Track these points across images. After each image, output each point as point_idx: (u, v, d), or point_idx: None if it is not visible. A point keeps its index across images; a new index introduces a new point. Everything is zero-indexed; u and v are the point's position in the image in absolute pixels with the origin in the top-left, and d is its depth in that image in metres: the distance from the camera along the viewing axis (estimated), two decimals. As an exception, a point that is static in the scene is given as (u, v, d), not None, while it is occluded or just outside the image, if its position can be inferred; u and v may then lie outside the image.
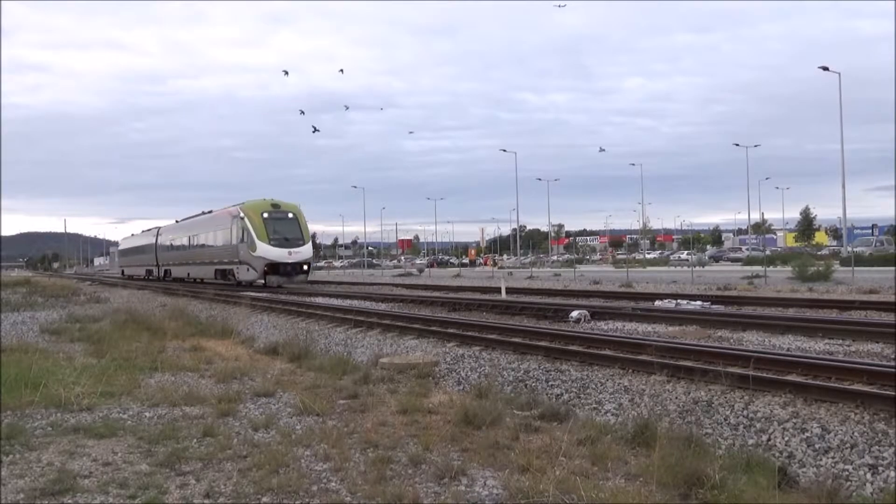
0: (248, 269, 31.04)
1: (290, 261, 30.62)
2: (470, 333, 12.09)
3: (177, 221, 46.37)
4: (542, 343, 10.49)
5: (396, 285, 33.62)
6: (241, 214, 31.48)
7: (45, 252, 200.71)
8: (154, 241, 48.94)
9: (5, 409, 7.23)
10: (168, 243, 45.39)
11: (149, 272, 50.85)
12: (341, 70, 71.93)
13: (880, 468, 5.36)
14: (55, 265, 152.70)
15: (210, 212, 39.61)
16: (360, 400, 7.86)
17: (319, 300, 22.03)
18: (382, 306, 18.86)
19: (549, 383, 8.76)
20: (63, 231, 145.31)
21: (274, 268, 30.38)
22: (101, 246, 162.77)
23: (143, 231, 57.17)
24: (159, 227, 49.17)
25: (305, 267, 31.79)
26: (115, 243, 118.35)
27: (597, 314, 14.23)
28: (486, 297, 20.79)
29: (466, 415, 6.67)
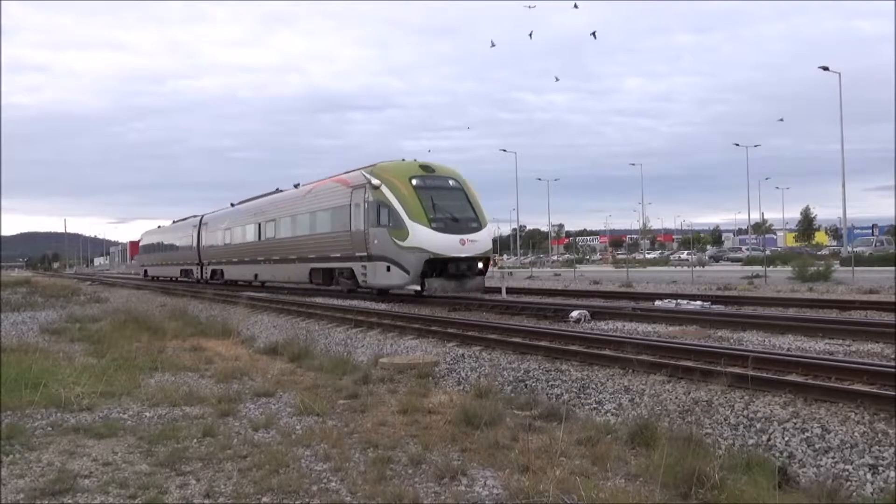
0: (388, 269, 19.59)
1: (463, 255, 19.22)
2: (470, 333, 12.08)
3: (232, 205, 36.05)
4: (542, 343, 10.49)
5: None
6: (374, 181, 20.05)
7: (45, 252, 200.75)
8: (194, 233, 39.28)
9: (5, 409, 7.23)
10: (219, 236, 35.24)
11: (185, 272, 41.87)
12: (575, 5, 45.18)
13: (880, 468, 5.36)
14: (55, 265, 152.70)
15: (297, 186, 28.10)
16: (360, 400, 7.86)
17: (319, 300, 22.02)
18: (382, 306, 18.85)
19: (549, 383, 8.76)
20: (63, 231, 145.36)
21: (438, 266, 19.14)
22: (101, 246, 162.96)
23: (174, 222, 47.38)
24: (202, 216, 39.49)
25: (481, 265, 20.04)
26: (116, 243, 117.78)
27: (597, 314, 14.22)
28: (486, 296, 20.77)
29: (466, 415, 6.68)
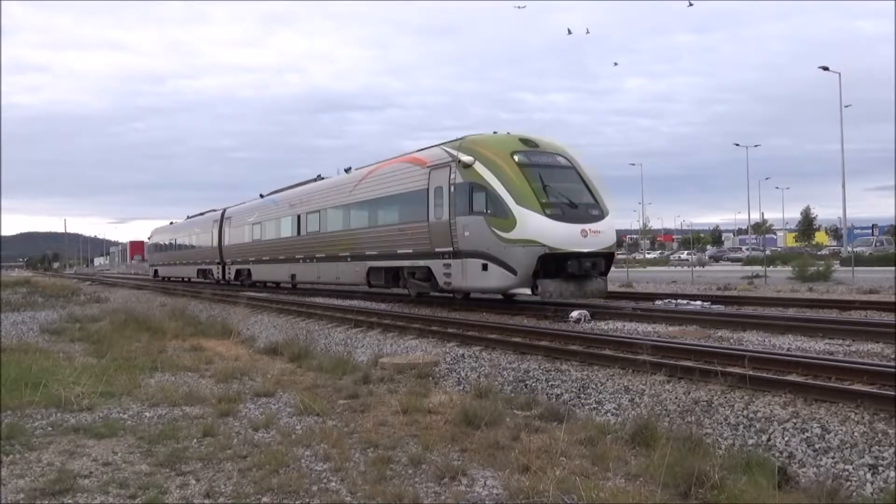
0: (484, 267, 15.41)
1: (585, 249, 15.20)
2: (470, 333, 12.09)
3: (262, 196, 31.70)
4: (542, 343, 10.49)
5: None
6: (464, 158, 15.91)
7: (45, 252, 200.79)
8: (214, 229, 35.53)
9: (5, 409, 7.24)
10: (246, 231, 31.43)
11: (204, 273, 38.12)
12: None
13: (880, 468, 5.36)
14: (55, 265, 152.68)
15: (348, 170, 23.40)
16: (360, 400, 7.87)
17: (319, 300, 22.03)
18: (382, 306, 18.86)
19: (549, 383, 8.76)
20: (63, 231, 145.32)
21: (554, 264, 14.92)
22: (101, 246, 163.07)
23: (189, 218, 43.31)
24: (224, 209, 35.63)
25: (605, 263, 15.96)
26: (116, 243, 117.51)
27: (597, 314, 14.22)
28: (487, 296, 20.76)
29: (466, 415, 6.68)
